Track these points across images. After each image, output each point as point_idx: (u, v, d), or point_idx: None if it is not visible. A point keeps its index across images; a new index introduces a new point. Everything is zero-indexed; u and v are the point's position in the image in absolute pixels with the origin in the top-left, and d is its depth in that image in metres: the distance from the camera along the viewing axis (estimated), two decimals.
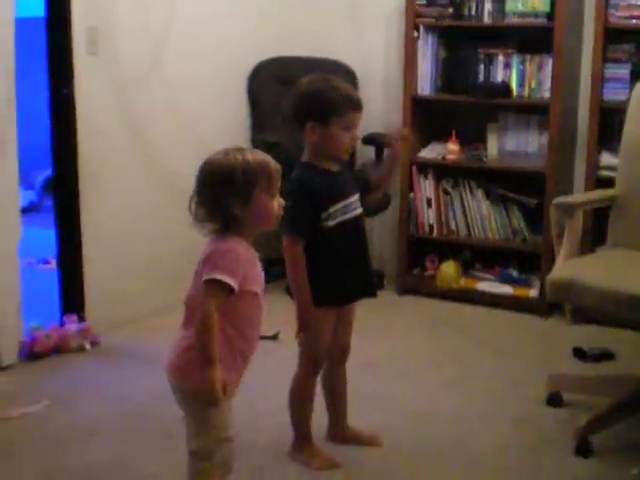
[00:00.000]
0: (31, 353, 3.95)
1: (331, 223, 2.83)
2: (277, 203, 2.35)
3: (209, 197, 2.28)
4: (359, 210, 2.94)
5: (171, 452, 3.01)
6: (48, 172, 6.05)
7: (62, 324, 4.16)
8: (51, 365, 3.94)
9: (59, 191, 4.26)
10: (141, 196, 4.48)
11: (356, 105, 2.81)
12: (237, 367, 2.36)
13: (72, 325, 4.12)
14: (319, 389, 3.13)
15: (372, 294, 3.06)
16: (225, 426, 2.36)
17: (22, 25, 3.80)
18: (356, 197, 2.93)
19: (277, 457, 3.08)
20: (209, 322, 2.22)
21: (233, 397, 2.38)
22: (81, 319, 4.20)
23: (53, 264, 4.94)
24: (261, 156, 2.34)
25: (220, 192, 2.26)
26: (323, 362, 3.05)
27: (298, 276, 2.83)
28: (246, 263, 2.29)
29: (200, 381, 2.23)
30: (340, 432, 3.20)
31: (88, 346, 4.09)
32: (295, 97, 2.86)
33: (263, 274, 2.41)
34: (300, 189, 2.82)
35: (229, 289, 2.23)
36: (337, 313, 3.00)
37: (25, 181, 4.00)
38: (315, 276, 2.87)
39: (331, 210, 2.83)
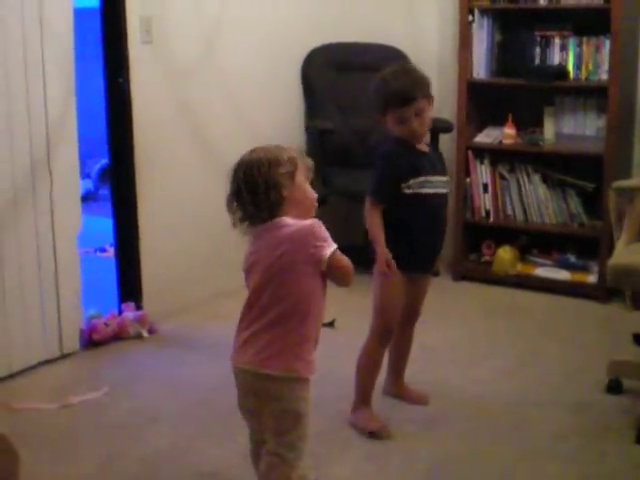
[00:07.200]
0: (90, 341, 4.00)
1: (408, 191, 3.05)
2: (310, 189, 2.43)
3: (256, 188, 2.39)
4: (442, 190, 3.17)
5: (231, 438, 3.03)
6: (104, 161, 6.13)
7: (120, 312, 4.20)
8: (110, 353, 3.98)
9: (116, 180, 4.29)
10: (196, 184, 4.49)
11: (403, 101, 3.02)
12: (317, 338, 2.40)
13: (130, 313, 4.16)
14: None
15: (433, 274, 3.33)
16: (310, 416, 2.39)
17: (77, 15, 3.82)
18: (442, 179, 3.18)
19: (333, 445, 3.08)
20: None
21: None
22: (138, 307, 4.23)
23: (110, 252, 4.99)
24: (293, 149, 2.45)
25: (269, 176, 2.35)
26: (393, 333, 3.21)
27: (373, 227, 3.07)
28: None
29: (290, 369, 2.31)
30: (394, 387, 3.41)
31: (146, 334, 4.13)
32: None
33: None
34: (385, 160, 3.12)
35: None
36: (410, 282, 3.16)
37: (81, 170, 4.02)
38: (391, 242, 3.06)
39: (411, 182, 3.04)
